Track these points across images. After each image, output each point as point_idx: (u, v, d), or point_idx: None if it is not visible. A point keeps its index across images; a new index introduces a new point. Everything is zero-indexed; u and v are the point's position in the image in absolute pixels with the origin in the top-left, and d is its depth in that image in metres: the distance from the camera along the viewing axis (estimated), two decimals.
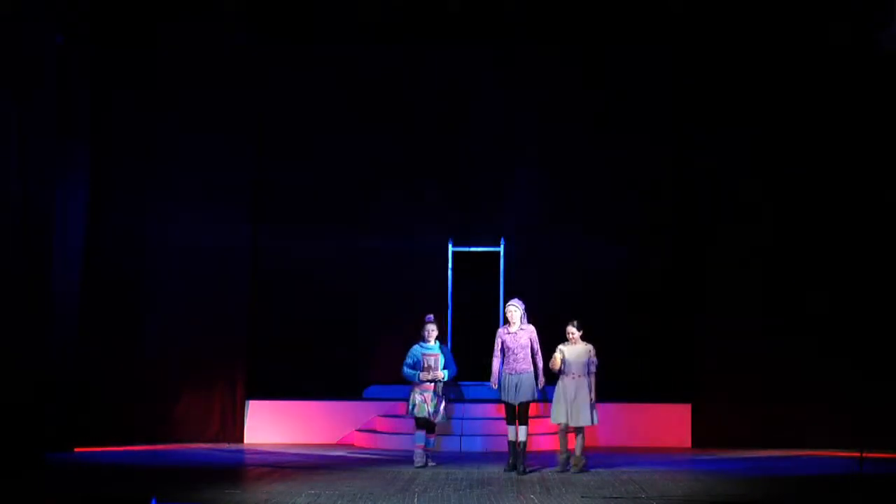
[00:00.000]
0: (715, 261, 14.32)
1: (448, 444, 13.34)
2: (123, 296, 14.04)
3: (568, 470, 11.23)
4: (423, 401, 11.64)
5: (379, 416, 14.25)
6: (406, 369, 11.76)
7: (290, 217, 15.07)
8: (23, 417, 12.09)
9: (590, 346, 11.34)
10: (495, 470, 11.32)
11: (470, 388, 14.19)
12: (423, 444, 11.76)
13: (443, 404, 11.76)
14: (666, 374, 14.53)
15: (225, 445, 13.92)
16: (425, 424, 11.76)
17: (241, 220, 14.58)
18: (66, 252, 12.93)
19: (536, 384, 11.27)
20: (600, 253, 14.91)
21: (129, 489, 10.25)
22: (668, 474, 11.20)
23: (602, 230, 14.97)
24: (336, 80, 15.19)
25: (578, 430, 11.31)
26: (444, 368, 11.77)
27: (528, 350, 11.27)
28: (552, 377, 11.42)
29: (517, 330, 11.28)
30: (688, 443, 14.22)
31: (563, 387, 11.26)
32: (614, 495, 9.85)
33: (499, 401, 11.63)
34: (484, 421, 13.59)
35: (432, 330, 11.84)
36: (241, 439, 14.26)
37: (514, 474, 11.09)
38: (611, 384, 14.05)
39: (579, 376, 11.23)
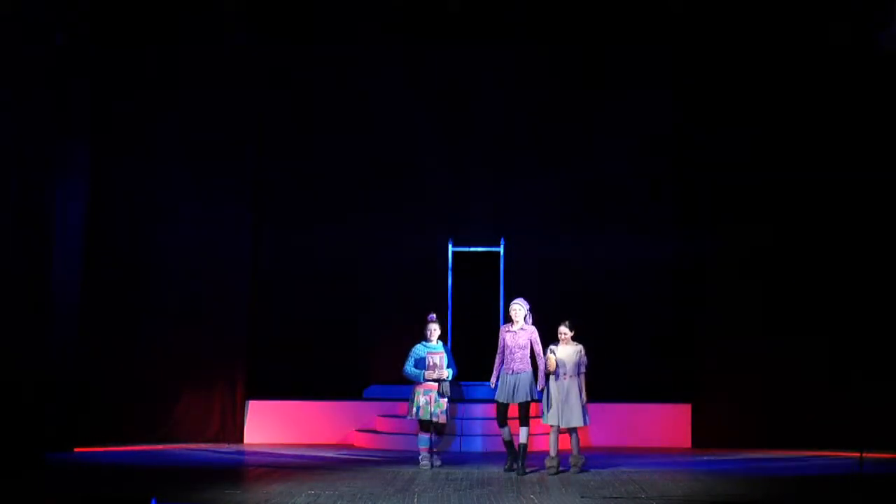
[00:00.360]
0: (715, 260, 14.31)
1: (448, 444, 13.32)
2: (123, 296, 14.05)
3: (564, 470, 11.17)
4: (427, 402, 11.53)
5: (379, 416, 14.25)
6: (409, 368, 11.68)
7: (290, 217, 15.07)
8: (23, 417, 12.10)
9: (580, 346, 11.29)
10: (495, 470, 11.32)
11: (470, 388, 14.18)
12: (427, 446, 11.67)
13: (448, 404, 11.64)
14: (666, 374, 14.51)
15: (225, 445, 13.91)
16: (430, 426, 11.66)
17: (241, 219, 14.57)
18: (66, 252, 12.94)
19: (536, 384, 11.25)
20: (600, 253, 14.90)
21: (129, 489, 10.26)
22: (668, 474, 11.20)
23: (602, 230, 14.96)
24: (336, 80, 15.18)
25: (572, 431, 11.26)
26: (448, 367, 11.68)
27: (527, 350, 11.23)
28: (546, 378, 11.35)
29: (518, 329, 11.26)
30: (688, 443, 14.21)
31: (555, 388, 11.20)
32: (614, 495, 9.85)
33: (493, 400, 11.56)
34: (484, 421, 13.58)
35: (435, 329, 11.76)
36: (241, 439, 14.26)
37: (513, 474, 11.07)
38: (611, 384, 14.10)
39: (570, 377, 11.19)
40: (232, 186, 14.53)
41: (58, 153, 12.81)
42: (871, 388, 12.87)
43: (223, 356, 14.28)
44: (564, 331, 11.28)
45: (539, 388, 11.25)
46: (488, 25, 14.67)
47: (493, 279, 15.03)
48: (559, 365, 11.17)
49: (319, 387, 14.74)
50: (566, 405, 11.13)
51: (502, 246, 15.14)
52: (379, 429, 14.10)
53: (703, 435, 14.14)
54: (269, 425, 14.36)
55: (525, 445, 11.22)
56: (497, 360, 11.33)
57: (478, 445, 13.36)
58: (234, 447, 13.84)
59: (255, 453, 13.22)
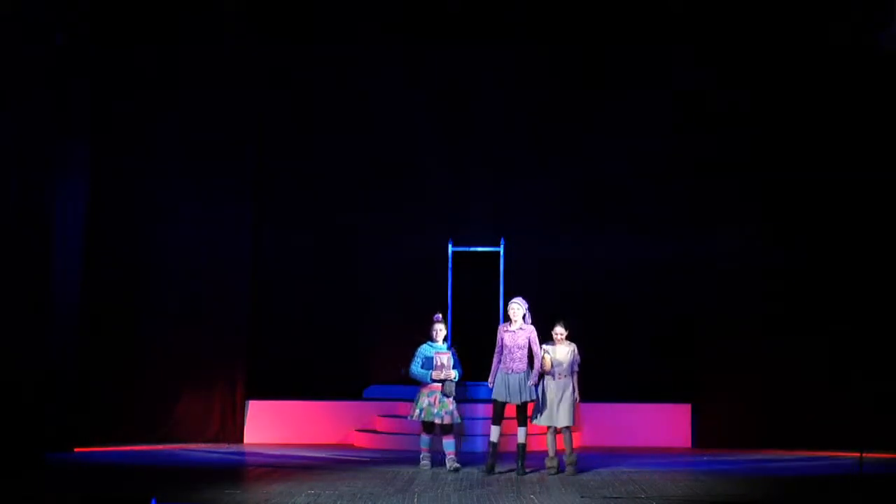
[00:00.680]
0: (714, 260, 14.31)
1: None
2: (123, 296, 14.06)
3: (562, 471, 11.17)
4: (431, 403, 11.39)
5: (379, 416, 14.25)
6: (415, 369, 11.52)
7: (291, 217, 15.07)
8: (23, 417, 12.09)
9: (573, 346, 11.27)
10: (500, 469, 11.28)
11: (471, 388, 14.18)
12: (428, 447, 11.58)
13: (453, 404, 11.47)
14: (666, 374, 14.51)
15: (225, 445, 13.91)
16: (433, 428, 11.54)
17: (241, 219, 14.56)
18: (66, 252, 12.93)
19: (529, 383, 11.18)
20: (600, 253, 14.91)
21: (129, 489, 10.26)
22: (668, 474, 11.20)
23: (602, 230, 14.97)
24: (336, 79, 15.18)
25: (565, 431, 11.21)
26: (454, 368, 11.52)
27: (526, 350, 11.17)
28: (540, 377, 11.32)
29: (517, 329, 11.20)
30: (688, 443, 14.22)
31: (548, 388, 11.19)
32: (614, 495, 9.85)
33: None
34: (485, 421, 13.54)
35: (440, 329, 11.61)
36: (241, 439, 14.25)
37: (513, 474, 11.05)
38: (611, 384, 14.12)
39: (564, 376, 11.18)
40: (232, 186, 14.53)
41: (58, 153, 12.80)
42: (871, 388, 12.87)
43: (223, 356, 14.27)
44: (560, 331, 11.25)
45: (530, 383, 11.15)
46: (488, 25, 14.66)
47: (493, 279, 15.02)
48: (555, 364, 11.15)
49: (319, 387, 14.74)
50: (560, 405, 11.12)
51: (502, 246, 15.14)
52: (379, 429, 14.10)
53: (703, 435, 14.14)
54: (269, 425, 14.36)
55: (524, 445, 11.19)
56: (495, 360, 11.25)
57: (478, 445, 13.34)
58: (233, 447, 13.84)
59: (255, 453, 13.22)
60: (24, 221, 12.39)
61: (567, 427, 11.20)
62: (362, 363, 15.08)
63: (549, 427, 11.25)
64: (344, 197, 15.13)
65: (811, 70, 14.03)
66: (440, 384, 11.48)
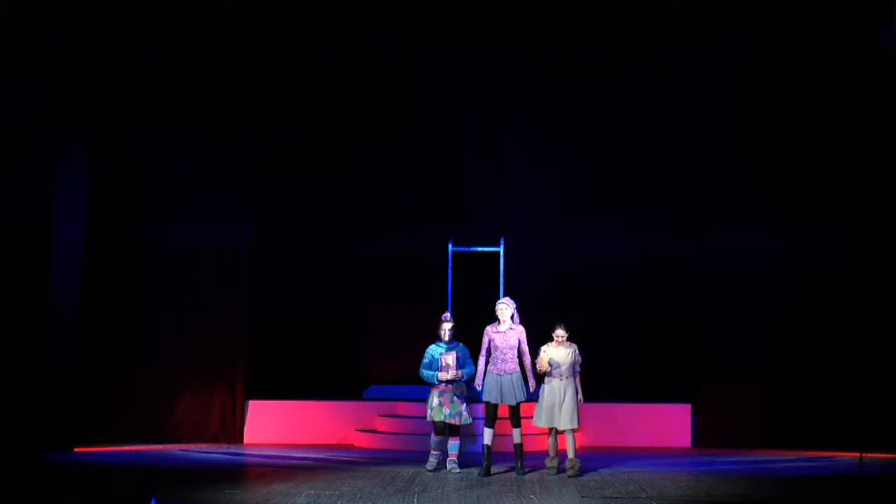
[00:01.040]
0: (715, 260, 14.29)
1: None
2: (123, 296, 14.05)
3: (562, 472, 11.13)
4: (441, 404, 11.21)
5: (379, 416, 14.25)
6: (423, 370, 11.36)
7: (291, 216, 15.07)
8: (22, 417, 12.09)
9: (573, 346, 11.22)
10: (496, 470, 11.30)
11: (472, 387, 14.13)
12: (438, 447, 11.38)
13: (464, 405, 11.29)
14: (666, 374, 14.52)
15: (224, 445, 13.91)
16: (444, 429, 11.34)
17: (241, 219, 14.55)
18: (66, 252, 12.92)
19: (526, 385, 11.14)
20: (600, 253, 14.92)
21: (129, 489, 10.26)
22: (668, 474, 11.20)
23: (602, 230, 14.98)
24: (336, 79, 15.18)
25: (567, 433, 11.14)
26: (462, 368, 11.31)
27: (516, 350, 11.11)
28: (540, 378, 11.30)
29: (506, 329, 11.12)
30: (688, 443, 14.22)
31: (550, 389, 11.13)
32: (614, 495, 9.85)
33: (479, 400, 11.42)
34: (484, 421, 13.54)
35: (448, 329, 11.41)
36: (241, 439, 14.24)
37: (513, 474, 11.06)
38: (611, 384, 14.12)
39: (566, 377, 11.13)
40: (232, 186, 14.52)
41: (58, 152, 12.79)
42: (871, 388, 12.86)
43: (223, 356, 14.26)
44: (561, 333, 11.15)
45: (532, 388, 11.12)
46: (488, 26, 14.66)
47: (493, 279, 15.02)
48: (554, 366, 11.09)
49: (319, 387, 14.75)
50: (563, 407, 11.05)
51: (502, 246, 15.14)
52: (379, 429, 14.10)
53: (703, 435, 14.15)
54: (269, 425, 14.35)
55: (521, 445, 11.16)
56: (482, 361, 11.15)
57: (478, 445, 13.31)
58: (233, 447, 13.84)
59: (255, 453, 13.21)
60: (24, 220, 12.37)
61: (571, 430, 11.14)
62: (362, 363, 15.09)
63: (550, 429, 11.22)
64: (344, 197, 15.12)
65: (811, 70, 14.01)
66: (450, 384, 11.28)
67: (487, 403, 11.14)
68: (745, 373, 13.97)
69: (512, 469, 11.25)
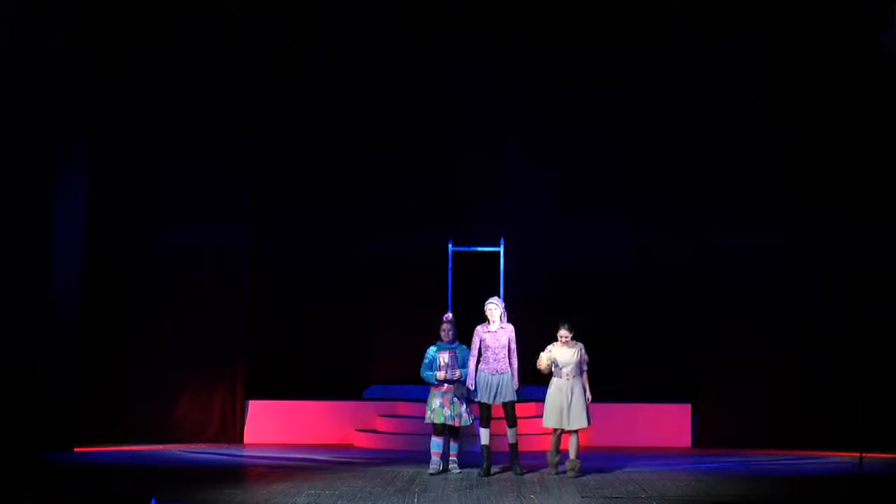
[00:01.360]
0: (715, 260, 14.29)
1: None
2: (123, 296, 14.05)
3: (562, 472, 11.12)
4: (441, 405, 11.13)
5: (379, 416, 14.25)
6: (423, 371, 11.28)
7: (291, 216, 15.07)
8: (22, 417, 12.09)
9: (579, 345, 11.18)
10: (495, 470, 11.29)
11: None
12: (439, 451, 11.28)
13: (464, 406, 11.19)
14: (666, 374, 14.52)
15: (224, 445, 13.91)
16: (444, 430, 11.25)
17: (241, 219, 14.54)
18: (66, 252, 12.92)
19: (515, 383, 11.09)
20: (600, 253, 14.92)
21: (129, 489, 10.26)
22: (668, 474, 11.20)
23: (602, 230, 14.98)
24: (336, 79, 15.18)
25: (573, 432, 11.12)
26: (462, 368, 11.21)
27: (507, 350, 11.08)
28: (540, 378, 11.27)
29: (497, 329, 11.09)
30: (688, 443, 14.22)
31: (558, 389, 11.10)
32: (614, 495, 9.85)
33: (472, 401, 11.35)
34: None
35: (448, 329, 11.34)
36: (241, 439, 14.24)
37: (512, 474, 11.05)
38: (611, 384, 14.07)
39: (573, 377, 11.11)
40: (232, 186, 14.52)
41: (58, 152, 12.79)
42: (871, 388, 12.86)
43: (223, 356, 14.26)
44: (565, 333, 11.10)
45: (515, 387, 11.05)
46: (488, 26, 14.66)
47: (493, 279, 15.01)
48: (560, 366, 11.07)
49: (319, 387, 14.74)
50: (572, 407, 11.02)
51: (502, 246, 15.14)
52: (379, 429, 14.10)
53: (703, 435, 14.14)
54: (269, 425, 14.35)
55: (515, 445, 11.13)
56: (472, 362, 11.08)
57: (478, 445, 13.29)
58: (233, 447, 13.83)
59: (255, 453, 13.21)
60: (24, 220, 12.38)
61: (577, 429, 11.08)
62: (362, 363, 15.08)
63: (555, 429, 11.18)
64: (344, 197, 15.12)
65: (810, 70, 14.01)
66: (450, 385, 11.19)
67: (481, 403, 11.11)
68: (745, 373, 13.98)
69: (508, 469, 11.21)
